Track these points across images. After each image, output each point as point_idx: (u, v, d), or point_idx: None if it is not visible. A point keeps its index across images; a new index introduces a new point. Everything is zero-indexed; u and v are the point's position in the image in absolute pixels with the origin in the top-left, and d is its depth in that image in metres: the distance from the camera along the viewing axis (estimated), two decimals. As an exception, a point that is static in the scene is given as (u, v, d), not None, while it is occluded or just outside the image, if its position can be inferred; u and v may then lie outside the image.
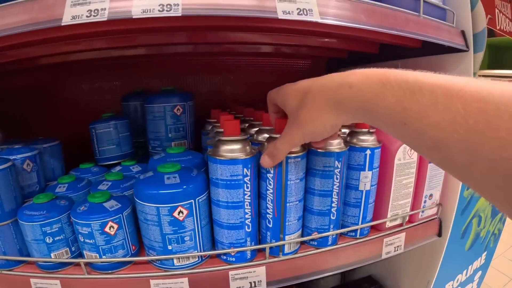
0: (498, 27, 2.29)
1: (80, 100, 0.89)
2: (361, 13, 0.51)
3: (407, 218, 0.65)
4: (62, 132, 0.74)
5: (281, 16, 0.45)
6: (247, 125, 0.61)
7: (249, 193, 0.46)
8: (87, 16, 0.39)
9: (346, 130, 0.58)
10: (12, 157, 0.56)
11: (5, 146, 0.64)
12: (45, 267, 0.49)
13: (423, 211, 0.67)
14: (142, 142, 0.74)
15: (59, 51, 0.63)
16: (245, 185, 0.46)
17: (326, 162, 0.49)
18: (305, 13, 0.47)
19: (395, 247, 0.64)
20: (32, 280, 0.48)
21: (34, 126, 0.85)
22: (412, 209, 0.65)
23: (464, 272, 0.93)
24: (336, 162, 0.50)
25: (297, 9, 0.47)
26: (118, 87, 0.89)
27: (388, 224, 0.62)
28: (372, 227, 0.61)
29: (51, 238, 0.48)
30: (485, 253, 1.05)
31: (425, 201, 0.67)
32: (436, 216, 0.71)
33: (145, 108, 0.67)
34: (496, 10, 2.28)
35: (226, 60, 0.99)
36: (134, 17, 0.39)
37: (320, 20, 0.47)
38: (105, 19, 0.39)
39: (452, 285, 0.90)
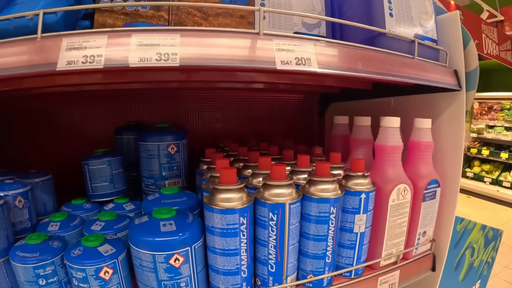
0: (485, 52, 2.38)
1: (72, 127, 0.90)
2: (359, 60, 0.54)
3: (401, 256, 0.67)
4: (51, 159, 0.75)
5: (279, 66, 0.47)
6: (241, 165, 0.62)
7: (245, 240, 0.48)
8: (82, 62, 0.40)
9: (341, 172, 0.61)
10: (3, 193, 0.57)
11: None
12: None
13: (416, 248, 0.70)
14: (135, 176, 0.75)
15: (50, 84, 0.64)
16: (241, 233, 0.47)
17: (321, 208, 0.51)
18: (303, 62, 0.49)
19: (389, 285, 0.66)
20: None
21: (24, 154, 0.85)
22: (406, 247, 0.68)
23: (459, 302, 0.96)
24: (332, 207, 0.52)
25: (295, 58, 0.49)
26: (110, 116, 0.90)
27: (382, 263, 0.64)
28: (366, 266, 0.63)
29: (44, 280, 0.49)
30: (479, 281, 1.08)
31: (418, 238, 0.69)
32: (430, 252, 0.74)
33: (139, 146, 0.68)
34: (483, 35, 2.38)
35: (220, 94, 1.02)
36: (131, 65, 0.41)
37: (318, 70, 0.49)
38: (101, 66, 0.40)
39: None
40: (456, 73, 0.71)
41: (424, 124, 0.66)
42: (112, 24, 0.45)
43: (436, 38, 0.70)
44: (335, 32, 0.63)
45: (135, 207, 0.63)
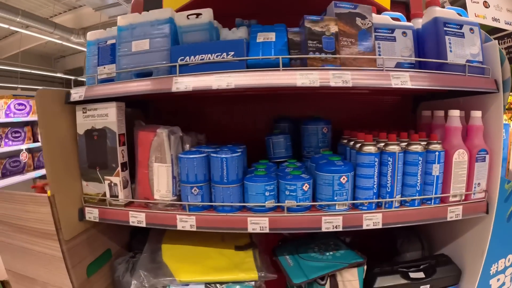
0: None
1: (243, 117, 1.52)
2: (433, 79, 1.02)
3: (463, 197, 1.10)
4: (236, 137, 1.35)
5: (394, 85, 0.98)
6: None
7: (376, 171, 0.97)
8: (311, 82, 0.94)
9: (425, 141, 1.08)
10: (234, 154, 1.13)
11: (215, 146, 1.22)
12: (258, 211, 1.03)
13: (474, 194, 1.12)
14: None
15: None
16: (375, 166, 0.97)
17: (415, 158, 0.99)
18: (405, 83, 0.99)
19: (455, 214, 1.10)
20: (249, 219, 1.02)
21: (223, 133, 1.48)
22: (467, 191, 1.11)
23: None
24: (420, 157, 0.99)
25: (401, 81, 0.99)
26: (269, 111, 1.50)
27: (451, 199, 1.08)
28: (440, 200, 1.08)
29: (268, 193, 1.02)
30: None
31: (475, 187, 1.12)
32: (483, 199, 1.15)
33: (302, 128, 1.23)
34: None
35: (345, 97, 1.53)
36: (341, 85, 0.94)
37: (411, 87, 0.98)
38: (318, 85, 0.94)
39: (504, 262, 1.28)
40: (496, 82, 1.15)
41: (476, 114, 1.10)
42: (315, 65, 0.98)
43: (481, 60, 1.15)
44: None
45: (301, 165, 1.16)
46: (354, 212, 1.00)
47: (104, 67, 1.13)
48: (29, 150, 3.87)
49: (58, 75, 9.92)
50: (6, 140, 3.55)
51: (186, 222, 1.01)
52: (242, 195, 1.03)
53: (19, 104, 3.70)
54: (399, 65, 1.08)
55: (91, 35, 1.18)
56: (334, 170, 0.97)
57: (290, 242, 1.27)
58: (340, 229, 0.99)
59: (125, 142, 1.10)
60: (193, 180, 1.00)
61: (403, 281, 1.13)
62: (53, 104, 1.08)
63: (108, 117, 1.06)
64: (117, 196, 1.08)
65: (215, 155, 0.99)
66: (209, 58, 0.96)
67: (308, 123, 1.23)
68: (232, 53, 0.95)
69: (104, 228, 1.23)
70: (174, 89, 0.95)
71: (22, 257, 1.16)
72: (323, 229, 0.99)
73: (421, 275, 1.15)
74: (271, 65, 0.96)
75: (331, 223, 0.99)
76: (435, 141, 1.04)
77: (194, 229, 1.01)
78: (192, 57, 0.97)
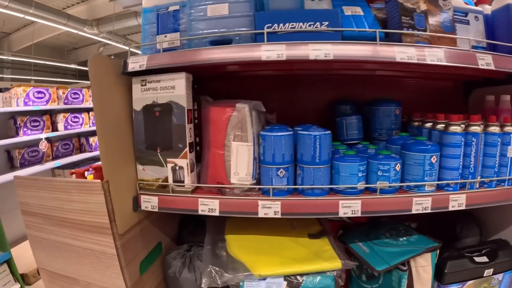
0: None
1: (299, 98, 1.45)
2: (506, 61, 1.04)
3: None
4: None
5: (481, 66, 0.98)
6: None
7: (462, 151, 0.96)
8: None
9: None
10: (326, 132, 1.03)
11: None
12: (349, 193, 0.97)
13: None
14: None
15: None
16: (461, 146, 0.96)
17: (494, 139, 1.00)
18: (487, 65, 1.00)
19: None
20: (341, 202, 0.95)
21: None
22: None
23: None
24: (499, 138, 1.00)
25: (483, 61, 1.00)
26: (325, 93, 1.44)
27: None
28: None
29: (361, 173, 0.96)
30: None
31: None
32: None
33: (373, 109, 1.19)
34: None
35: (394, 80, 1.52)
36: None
37: (494, 68, 0.99)
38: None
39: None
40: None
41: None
42: (410, 41, 0.95)
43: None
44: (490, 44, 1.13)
45: (378, 147, 1.12)
46: (441, 193, 0.98)
47: (166, 36, 1.00)
48: (48, 140, 3.66)
49: (72, 66, 10.12)
50: (25, 129, 3.33)
51: (269, 208, 0.91)
52: (330, 177, 0.96)
53: (38, 92, 3.46)
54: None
55: (147, 2, 1.04)
56: (425, 149, 0.94)
57: (355, 229, 1.21)
58: (429, 210, 0.96)
59: (192, 119, 0.97)
60: (279, 161, 0.90)
61: (471, 266, 1.13)
62: (106, 74, 0.92)
63: (175, 89, 0.93)
64: (182, 181, 0.95)
65: (305, 132, 0.91)
66: (301, 27, 0.89)
67: (381, 104, 1.20)
68: (326, 23, 0.89)
69: (156, 219, 1.08)
70: (264, 58, 0.86)
71: (62, 254, 0.96)
72: (413, 211, 0.95)
73: (485, 259, 1.17)
74: (367, 39, 0.91)
75: (420, 204, 0.96)
76: (509, 124, 1.06)
77: (278, 215, 0.91)
78: (281, 24, 0.88)
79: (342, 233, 1.22)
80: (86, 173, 1.11)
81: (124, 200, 0.94)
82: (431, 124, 1.08)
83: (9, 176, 2.93)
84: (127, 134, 0.98)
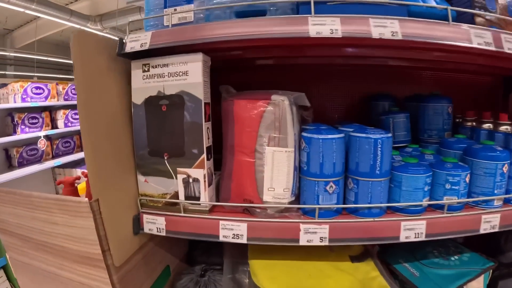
0: None
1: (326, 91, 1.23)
2: None
3: None
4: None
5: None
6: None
7: None
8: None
9: None
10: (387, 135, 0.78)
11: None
12: (412, 212, 0.74)
13: None
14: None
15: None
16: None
17: None
18: None
19: None
20: (402, 223, 0.71)
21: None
22: None
23: None
24: None
25: None
26: (360, 86, 1.22)
27: None
28: None
29: (427, 187, 0.72)
30: None
31: None
32: None
33: (421, 106, 0.96)
34: None
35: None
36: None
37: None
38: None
39: None
40: None
41: None
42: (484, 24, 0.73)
43: None
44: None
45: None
46: (509, 208, 0.76)
47: (175, 9, 0.77)
48: (47, 138, 3.44)
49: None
50: (23, 127, 3.11)
51: (314, 234, 0.68)
52: (388, 191, 0.73)
53: (37, 88, 3.24)
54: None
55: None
56: (496, 156, 0.72)
57: (395, 245, 0.99)
58: (497, 229, 0.75)
59: (210, 116, 0.75)
60: (329, 173, 0.67)
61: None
62: (96, 56, 0.69)
63: (189, 76, 0.70)
64: (197, 198, 0.72)
65: (362, 135, 0.67)
66: (359, -3, 0.65)
67: (431, 100, 0.96)
68: (390, -7, 0.65)
69: (163, 239, 0.86)
70: (313, 34, 0.62)
71: (48, 283, 0.74)
72: (481, 231, 0.74)
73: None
74: (435, 17, 0.69)
75: (489, 222, 0.74)
76: None
77: (326, 242, 0.68)
78: (332, -8, 0.65)
79: (381, 249, 1.00)
80: (76, 182, 0.89)
81: (121, 221, 0.72)
82: (491, 125, 0.86)
83: (6, 177, 2.68)
84: (125, 136, 0.74)
